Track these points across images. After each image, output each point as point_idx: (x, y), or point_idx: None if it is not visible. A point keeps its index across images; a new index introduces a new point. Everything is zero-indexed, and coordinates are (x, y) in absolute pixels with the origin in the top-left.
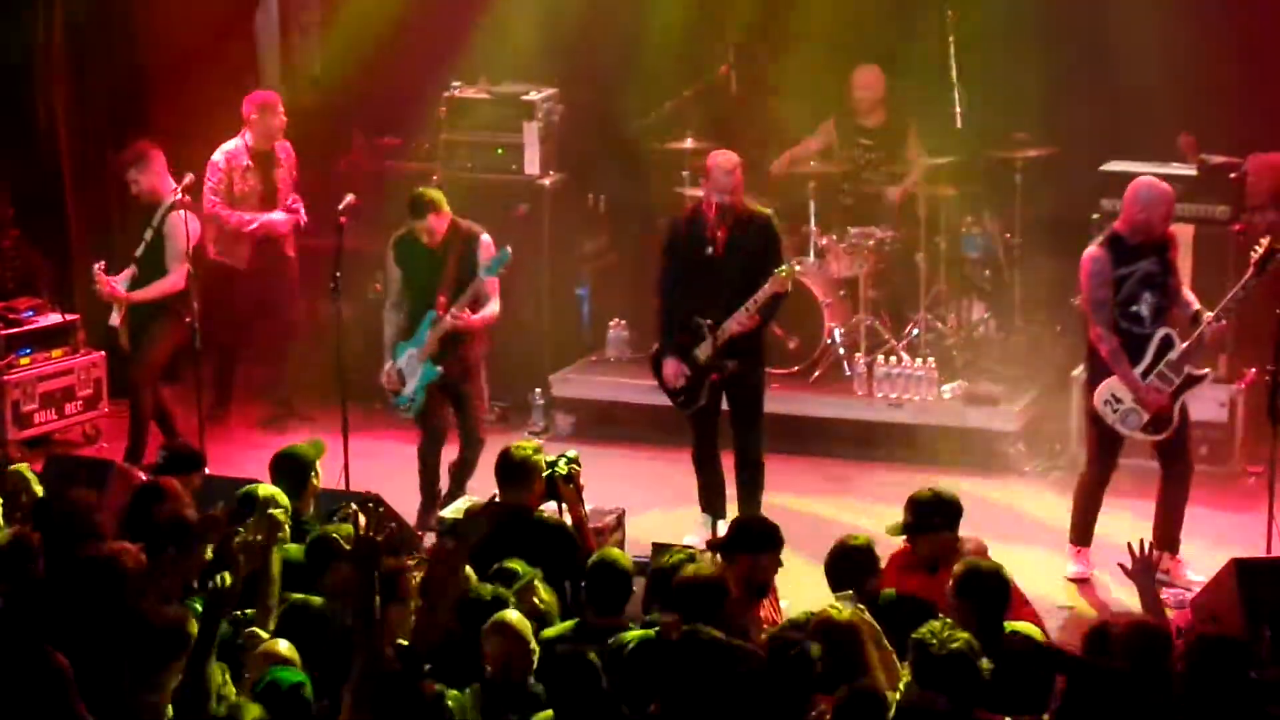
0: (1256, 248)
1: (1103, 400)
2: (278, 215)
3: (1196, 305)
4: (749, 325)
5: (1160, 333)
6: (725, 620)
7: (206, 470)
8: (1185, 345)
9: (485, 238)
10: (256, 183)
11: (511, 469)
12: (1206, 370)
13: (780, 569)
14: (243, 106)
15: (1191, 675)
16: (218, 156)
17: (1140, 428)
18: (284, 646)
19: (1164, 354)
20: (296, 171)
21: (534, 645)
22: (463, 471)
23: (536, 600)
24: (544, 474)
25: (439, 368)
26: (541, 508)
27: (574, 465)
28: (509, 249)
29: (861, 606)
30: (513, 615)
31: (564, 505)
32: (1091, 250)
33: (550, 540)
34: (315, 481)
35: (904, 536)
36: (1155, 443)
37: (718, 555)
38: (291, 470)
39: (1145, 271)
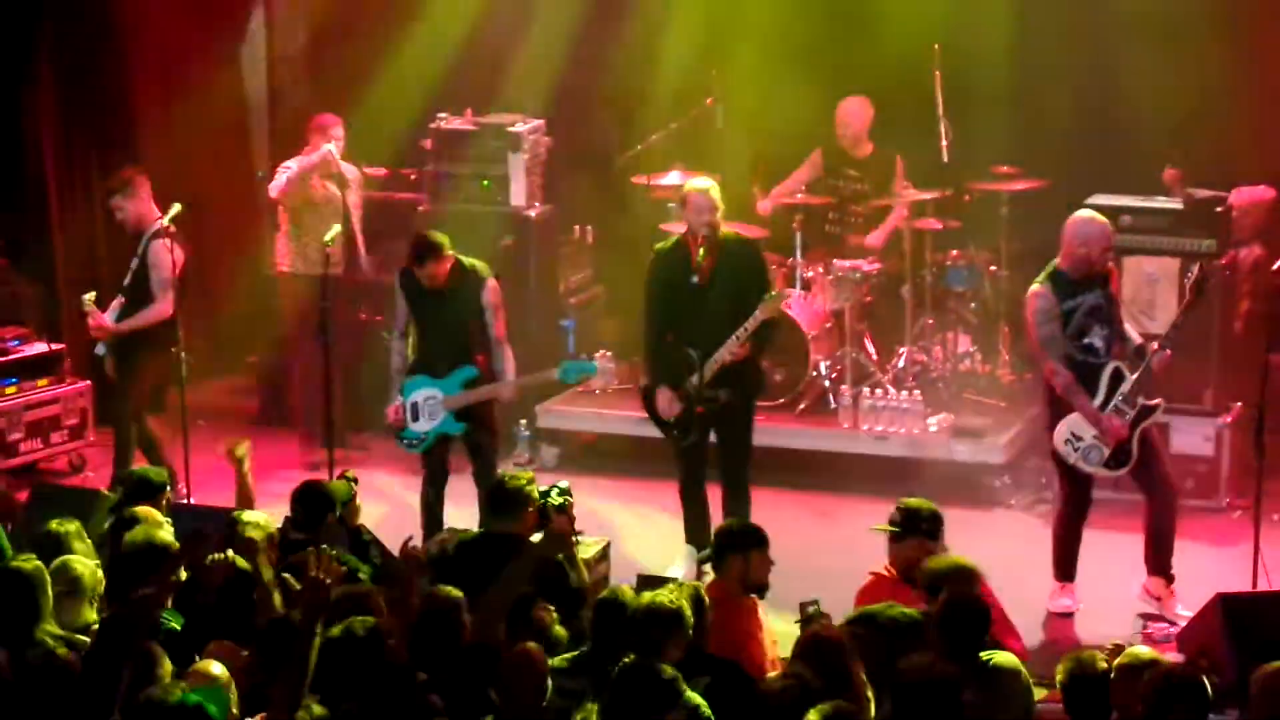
0: (1190, 272)
1: (1063, 440)
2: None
3: (1139, 338)
4: (740, 354)
5: (1110, 367)
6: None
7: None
8: (1135, 376)
9: (492, 280)
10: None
11: (503, 499)
12: (1158, 400)
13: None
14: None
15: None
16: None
17: (1103, 463)
18: (216, 669)
19: (1116, 387)
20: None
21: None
22: None
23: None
24: (537, 505)
25: (463, 424)
26: (533, 538)
27: (566, 496)
28: (596, 363)
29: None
30: (533, 646)
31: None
32: (1034, 288)
33: (541, 570)
34: (332, 518)
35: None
36: (1134, 474)
37: (705, 572)
38: (314, 502)
39: (1091, 304)
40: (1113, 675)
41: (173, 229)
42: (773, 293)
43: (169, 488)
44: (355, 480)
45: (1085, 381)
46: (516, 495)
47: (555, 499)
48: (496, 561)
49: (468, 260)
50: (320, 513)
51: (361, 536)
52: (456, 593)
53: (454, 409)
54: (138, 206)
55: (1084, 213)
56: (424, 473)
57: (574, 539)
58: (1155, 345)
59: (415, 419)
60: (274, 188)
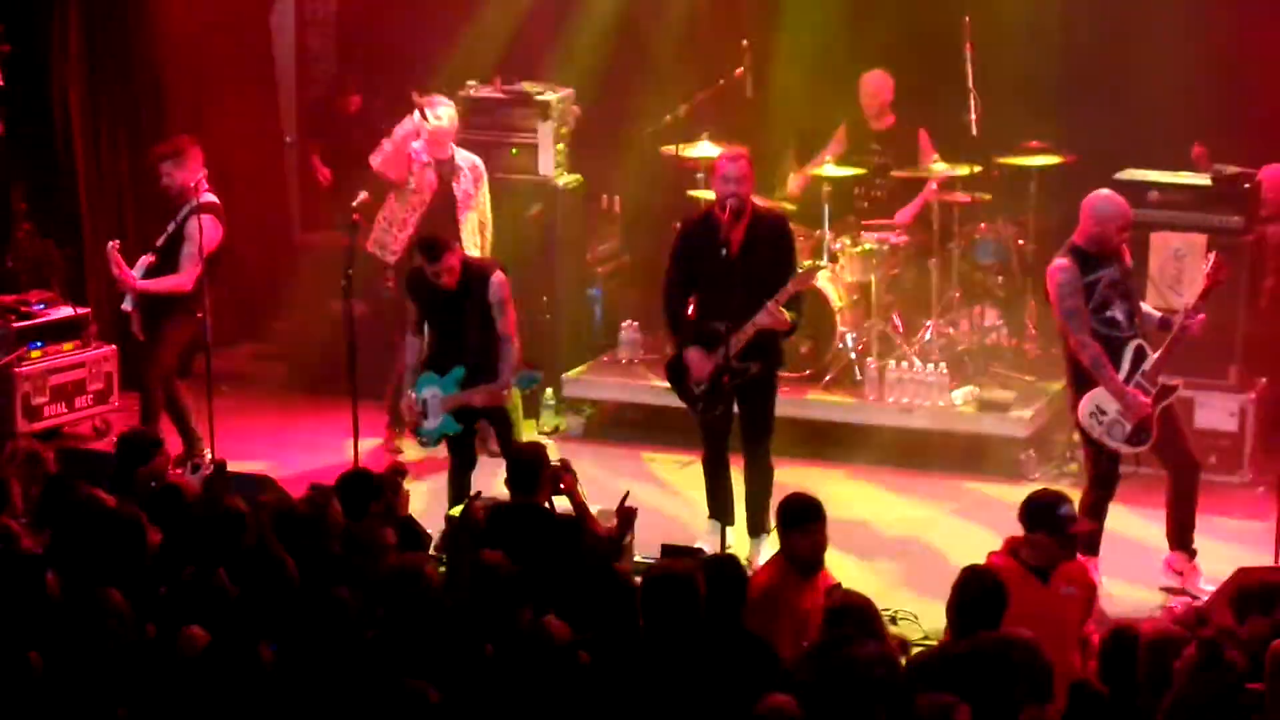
0: (1206, 264)
1: (1087, 413)
2: None
3: (1158, 313)
4: (771, 324)
5: (1133, 344)
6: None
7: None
8: (1157, 355)
9: (496, 277)
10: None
11: (521, 471)
12: (1178, 381)
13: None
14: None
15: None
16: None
17: (1125, 439)
18: None
19: (1139, 364)
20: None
21: None
22: None
23: None
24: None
25: (460, 424)
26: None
27: (565, 460)
28: (539, 373)
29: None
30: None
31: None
32: (1057, 262)
33: (562, 534)
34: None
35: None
36: (1156, 450)
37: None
38: (356, 490)
39: (1111, 278)
40: (1142, 648)
41: (219, 204)
42: (805, 264)
43: (161, 446)
44: (404, 473)
45: (1108, 354)
46: (532, 467)
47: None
48: (520, 532)
49: (474, 259)
50: (364, 502)
51: (411, 528)
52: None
53: (450, 409)
54: (185, 175)
55: (1103, 191)
56: (451, 460)
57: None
58: (1181, 314)
59: (425, 415)
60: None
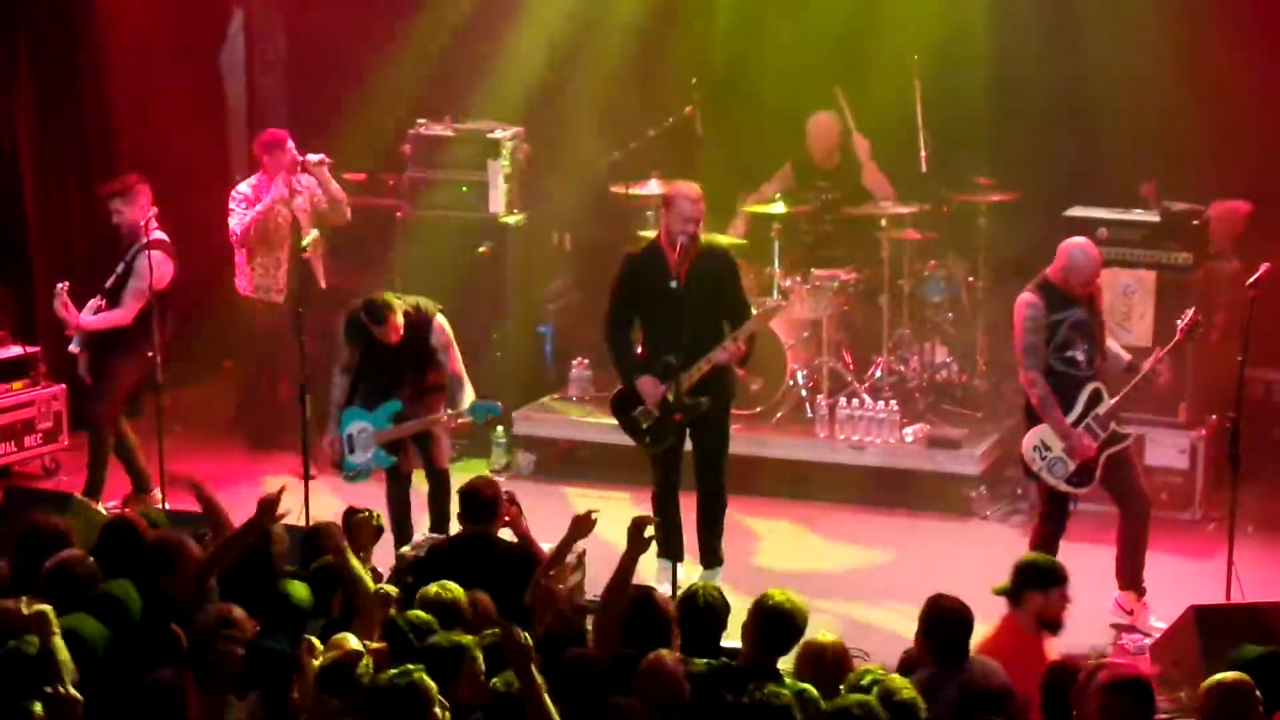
0: (1182, 318)
1: (1031, 446)
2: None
3: (1126, 355)
4: (736, 355)
5: (1090, 386)
6: None
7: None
8: (1113, 401)
9: (437, 323)
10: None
11: (477, 504)
12: (1130, 433)
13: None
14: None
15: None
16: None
17: (1065, 478)
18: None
19: (1093, 407)
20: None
21: None
22: (438, 502)
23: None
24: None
25: (393, 458)
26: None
27: (511, 493)
28: (498, 405)
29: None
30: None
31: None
32: (1026, 296)
33: (514, 564)
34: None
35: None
36: (1107, 486)
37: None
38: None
39: (1076, 319)
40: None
41: (166, 241)
42: (767, 299)
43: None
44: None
45: (1063, 392)
46: (486, 499)
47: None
48: (472, 562)
49: (411, 301)
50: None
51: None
52: None
53: (383, 443)
54: (135, 213)
55: (1079, 241)
56: (388, 480)
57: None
58: (1148, 364)
59: (352, 450)
60: (235, 227)
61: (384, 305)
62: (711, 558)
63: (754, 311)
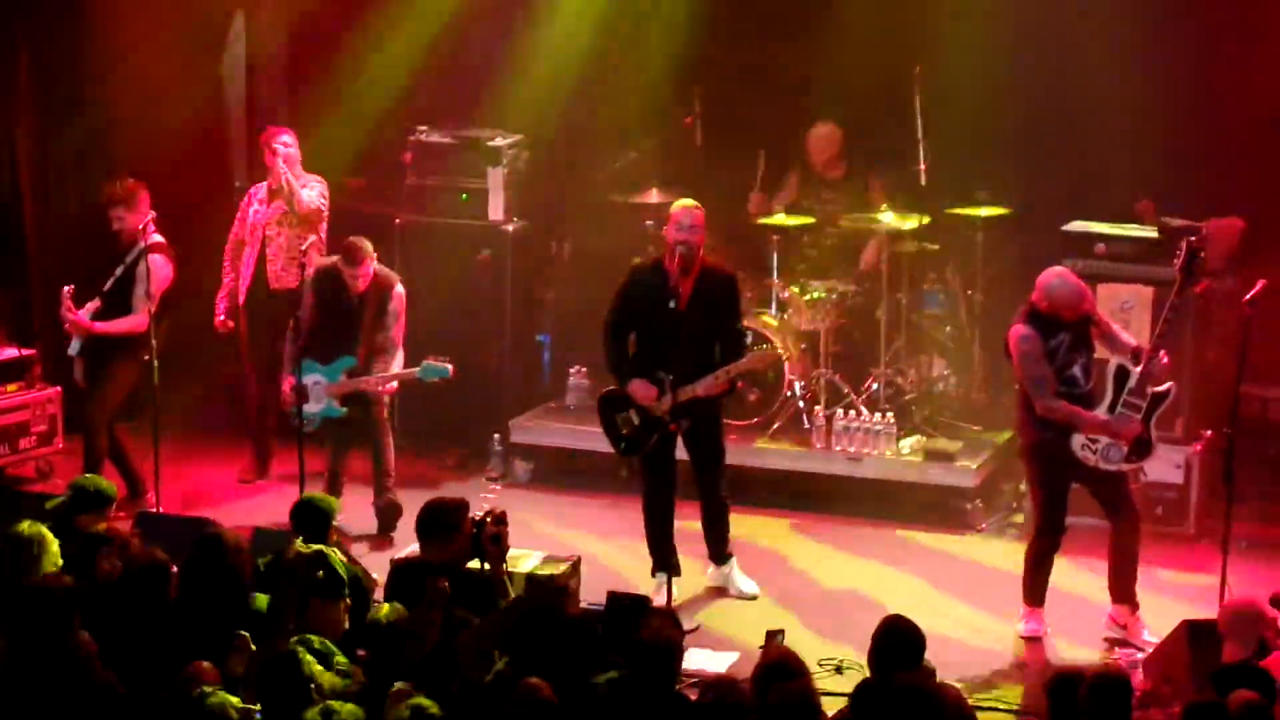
0: (1177, 253)
1: (1079, 445)
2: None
3: (1134, 341)
4: (715, 391)
5: (1112, 366)
6: None
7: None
8: (1141, 369)
9: (398, 290)
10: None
11: (433, 523)
12: (1169, 385)
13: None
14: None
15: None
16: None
17: (1124, 459)
18: None
19: (1123, 384)
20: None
21: None
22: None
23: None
24: (468, 532)
25: (344, 409)
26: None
27: (501, 525)
28: (448, 366)
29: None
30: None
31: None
32: (1019, 329)
33: (472, 594)
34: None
35: None
36: (1100, 499)
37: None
38: (313, 518)
39: (1070, 341)
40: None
41: (166, 244)
42: (769, 347)
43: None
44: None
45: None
46: (445, 520)
47: (491, 528)
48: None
49: (381, 270)
50: (319, 528)
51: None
52: None
53: (334, 395)
54: (136, 218)
55: (1056, 273)
56: (329, 446)
57: (505, 568)
58: (1149, 348)
59: (305, 400)
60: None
61: (362, 249)
62: (721, 555)
63: (748, 339)
